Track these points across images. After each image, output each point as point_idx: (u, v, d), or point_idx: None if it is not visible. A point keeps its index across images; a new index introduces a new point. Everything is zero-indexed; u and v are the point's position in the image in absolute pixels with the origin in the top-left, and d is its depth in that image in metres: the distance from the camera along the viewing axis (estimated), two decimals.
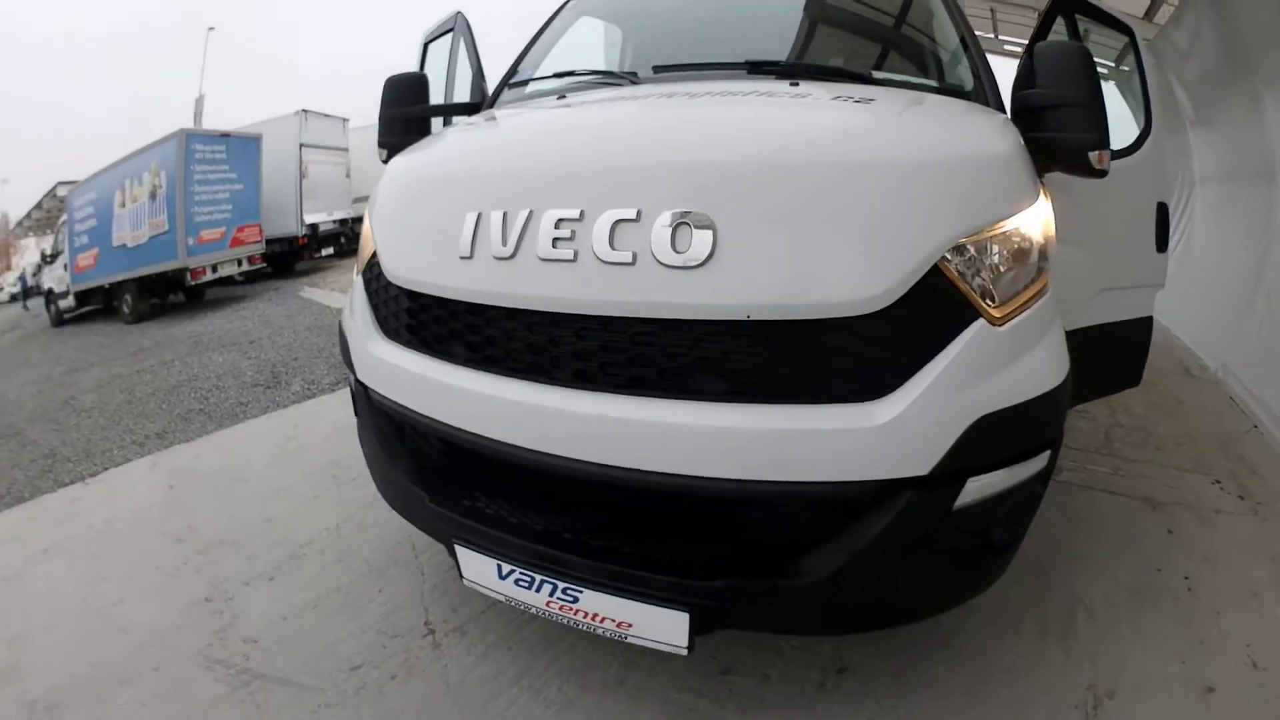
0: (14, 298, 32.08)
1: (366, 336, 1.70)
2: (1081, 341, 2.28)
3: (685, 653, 1.32)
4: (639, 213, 1.24)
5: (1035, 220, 1.41)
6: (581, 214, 1.28)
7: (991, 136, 1.54)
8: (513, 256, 1.34)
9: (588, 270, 1.26)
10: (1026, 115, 1.70)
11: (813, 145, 1.37)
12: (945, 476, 1.24)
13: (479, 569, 1.46)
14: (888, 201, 1.25)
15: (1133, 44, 2.62)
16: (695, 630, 1.29)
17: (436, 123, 2.44)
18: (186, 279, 10.54)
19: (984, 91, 1.92)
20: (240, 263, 11.41)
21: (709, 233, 1.21)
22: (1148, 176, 2.58)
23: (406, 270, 1.58)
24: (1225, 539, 2.47)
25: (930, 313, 1.24)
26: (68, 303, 12.81)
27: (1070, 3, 2.53)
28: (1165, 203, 2.58)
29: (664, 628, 1.30)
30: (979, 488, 1.29)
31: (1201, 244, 5.92)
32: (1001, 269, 1.32)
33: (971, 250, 1.27)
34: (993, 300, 1.29)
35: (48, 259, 14.04)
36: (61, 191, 19.74)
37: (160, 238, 10.39)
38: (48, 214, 23.44)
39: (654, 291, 1.22)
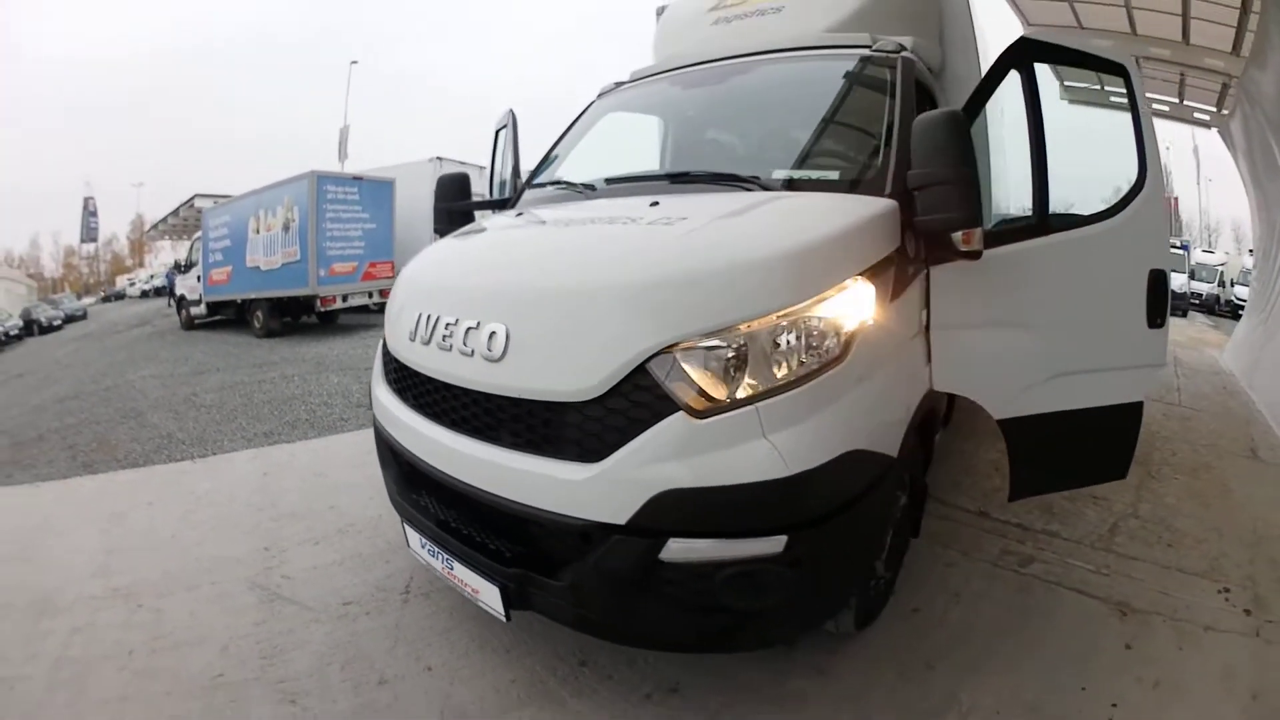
0: (145, 294, 37.07)
1: (376, 383, 2.54)
2: (1034, 429, 2.44)
3: (505, 619, 1.92)
4: (478, 322, 1.91)
5: (782, 323, 1.70)
6: (456, 320, 1.99)
7: (765, 244, 1.82)
8: (427, 343, 2.08)
9: (454, 357, 1.96)
10: (909, 198, 1.98)
11: (581, 271, 1.94)
12: (642, 530, 1.65)
13: (414, 540, 2.23)
14: (607, 317, 1.74)
15: (1127, 84, 2.50)
16: (506, 603, 1.88)
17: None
18: (317, 305, 12.27)
19: (884, 179, 2.21)
20: (372, 294, 12.94)
21: (504, 339, 1.83)
22: (1136, 241, 2.46)
23: (391, 341, 2.41)
24: (1200, 663, 2.24)
25: (635, 403, 1.67)
26: (199, 310, 15.13)
27: (1029, 51, 2.43)
28: (1162, 270, 2.44)
29: (491, 598, 1.91)
30: (684, 549, 1.65)
31: None
32: (715, 371, 1.66)
33: (676, 355, 1.65)
34: (707, 396, 1.64)
35: (181, 268, 16.58)
36: (199, 203, 22.81)
37: (292, 265, 12.24)
38: (184, 221, 26.38)
39: (478, 374, 1.89)
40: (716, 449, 1.61)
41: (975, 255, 2.07)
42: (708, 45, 3.40)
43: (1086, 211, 2.53)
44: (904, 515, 2.42)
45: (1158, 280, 2.47)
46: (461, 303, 2.05)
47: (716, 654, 2.08)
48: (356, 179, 13.10)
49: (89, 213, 54.68)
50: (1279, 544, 3.13)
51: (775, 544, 1.63)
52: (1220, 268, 23.93)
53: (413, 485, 2.31)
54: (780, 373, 1.68)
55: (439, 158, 14.89)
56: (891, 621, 2.42)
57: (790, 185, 2.35)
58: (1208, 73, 9.50)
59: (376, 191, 12.89)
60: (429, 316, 2.10)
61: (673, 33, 3.86)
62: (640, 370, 1.66)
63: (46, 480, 4.66)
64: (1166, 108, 12.25)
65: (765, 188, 2.31)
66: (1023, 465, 2.59)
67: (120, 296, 43.86)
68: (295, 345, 11.19)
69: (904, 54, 2.74)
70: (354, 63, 28.46)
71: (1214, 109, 11.05)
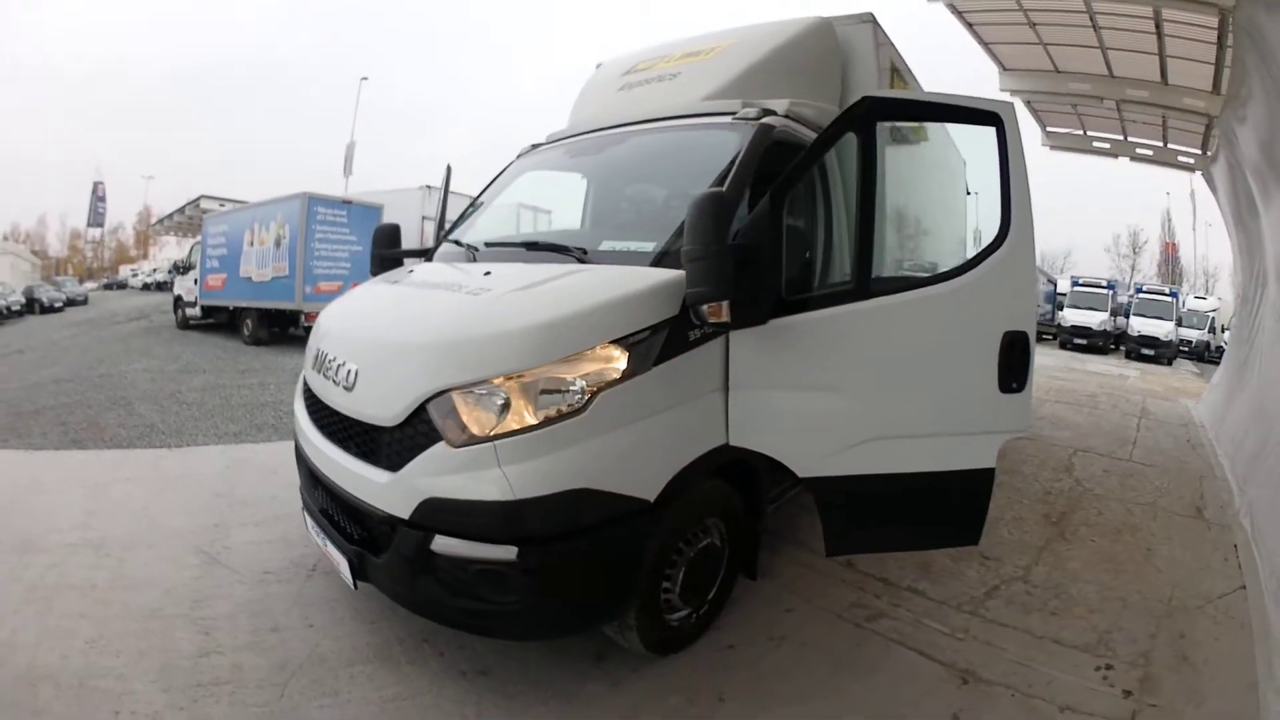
0: (146, 286, 38.20)
1: (295, 399, 3.18)
2: (851, 489, 2.62)
3: (354, 587, 2.52)
4: (344, 360, 2.57)
5: (535, 375, 2.18)
6: (333, 356, 2.65)
7: (527, 314, 2.31)
8: (319, 372, 2.75)
9: (330, 385, 2.62)
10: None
11: (403, 329, 2.61)
12: (418, 525, 2.21)
13: (309, 525, 2.85)
14: (407, 365, 2.37)
15: (999, 135, 2.56)
16: (353, 574, 2.46)
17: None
18: (301, 319, 13.05)
19: (666, 256, 2.58)
20: None
21: (355, 374, 2.48)
22: (985, 302, 2.55)
23: (305, 367, 3.07)
24: None
25: (418, 431, 2.25)
26: (194, 311, 16.09)
27: (874, 110, 2.55)
28: (1022, 332, 2.53)
29: (344, 570, 2.48)
30: (445, 544, 2.18)
31: (1271, 357, 5.71)
32: (471, 412, 2.18)
33: (450, 397, 2.22)
34: (463, 431, 2.17)
35: (180, 269, 17.56)
36: (205, 204, 23.69)
37: (281, 280, 13.10)
38: (189, 219, 27.30)
39: (341, 400, 2.54)
40: (463, 472, 2.16)
41: (723, 326, 2.38)
42: (610, 111, 3.74)
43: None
44: (728, 556, 2.80)
45: (1013, 343, 2.53)
46: (338, 343, 2.76)
47: (485, 637, 2.56)
48: (346, 202, 13.89)
49: (97, 197, 56.32)
50: (1193, 616, 3.04)
51: (509, 552, 2.13)
52: (1211, 314, 23.89)
53: (308, 482, 2.94)
54: (521, 419, 2.16)
55: (428, 186, 15.66)
56: (703, 653, 2.71)
57: (609, 256, 2.76)
58: (1189, 114, 9.78)
59: (365, 216, 13.51)
60: (321, 350, 2.83)
61: (587, 96, 4.26)
62: (423, 407, 2.25)
63: (39, 449, 5.54)
64: (1150, 152, 12.59)
65: (586, 259, 2.75)
66: (837, 523, 2.75)
67: (122, 285, 45.19)
68: (278, 355, 12.02)
69: (763, 120, 2.90)
70: (364, 79, 29.45)
71: (1198, 151, 11.16)
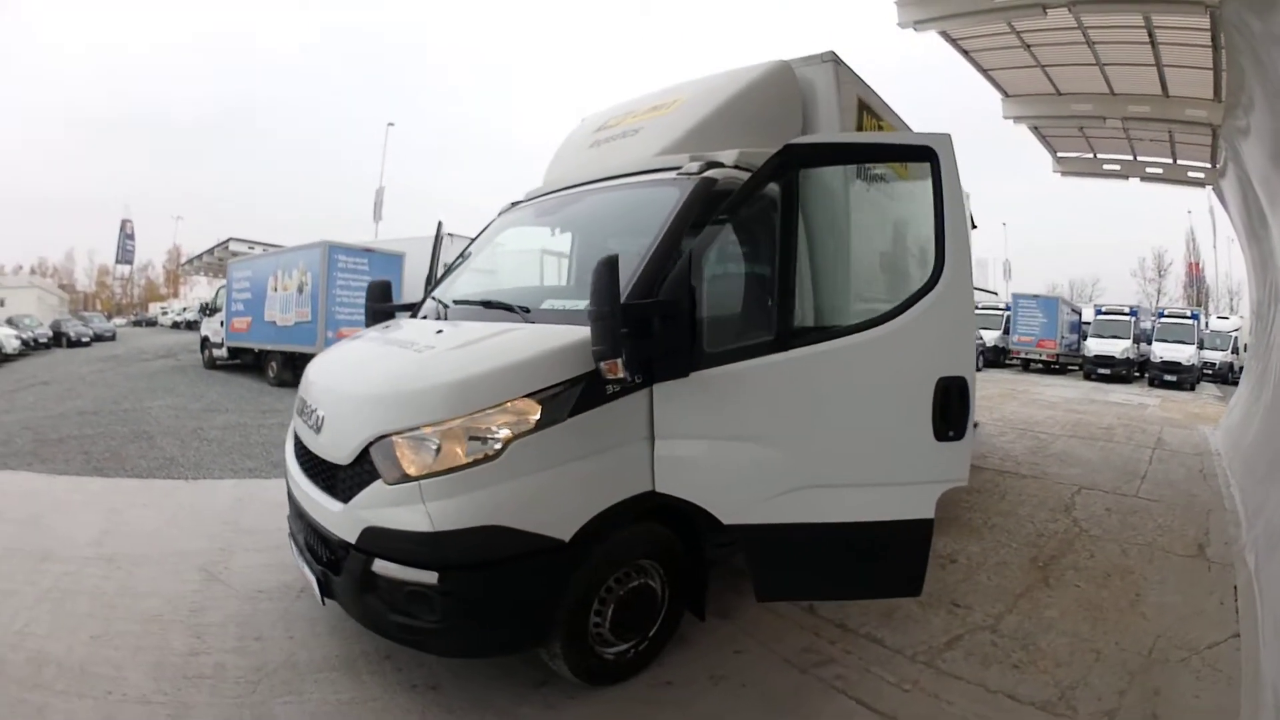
0: (176, 325, 39.72)
1: (288, 439, 3.51)
2: (779, 537, 2.74)
3: (322, 603, 2.82)
4: (316, 406, 2.99)
5: (454, 424, 2.48)
6: (308, 402, 3.10)
7: (453, 370, 2.64)
8: (300, 415, 3.17)
9: (305, 427, 3.03)
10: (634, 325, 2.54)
11: (359, 382, 2.98)
12: (361, 549, 2.56)
13: (293, 550, 3.18)
14: (357, 413, 2.74)
15: (934, 171, 2.61)
16: (321, 591, 2.77)
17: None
18: None
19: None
20: None
21: (322, 419, 2.88)
22: (917, 348, 2.61)
23: (294, 413, 3.45)
24: None
25: (363, 470, 2.59)
26: (220, 352, 16.93)
27: (794, 158, 2.70)
28: (959, 377, 2.57)
29: (315, 588, 2.81)
30: (383, 567, 2.51)
31: None
32: (404, 455, 2.51)
33: (390, 441, 2.53)
34: (396, 471, 2.51)
35: (207, 310, 18.51)
36: (234, 246, 24.75)
37: (304, 325, 13.81)
38: (218, 260, 28.36)
39: (312, 440, 2.94)
40: (396, 505, 2.50)
41: (619, 382, 2.59)
42: (578, 169, 3.96)
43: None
44: (668, 597, 2.97)
45: (949, 390, 2.57)
46: (315, 392, 3.19)
47: (419, 650, 2.76)
48: (367, 250, 14.64)
49: (126, 235, 59.00)
50: (1173, 670, 2.97)
51: (431, 576, 2.45)
52: (1234, 333, 23.33)
53: (294, 513, 3.25)
54: (444, 462, 2.47)
55: (450, 234, 16.56)
56: (640, 688, 2.86)
57: (549, 315, 3.01)
58: (1193, 125, 9.88)
59: (387, 263, 14.17)
60: (303, 398, 3.27)
61: (562, 153, 4.48)
62: (367, 449, 2.61)
63: (62, 474, 6.05)
64: (1160, 170, 12.59)
65: (529, 317, 3.00)
66: (767, 569, 2.87)
67: (152, 323, 47.15)
68: None
69: (704, 175, 3.05)
70: (390, 124, 30.69)
71: (1208, 165, 11.24)
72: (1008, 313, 25.31)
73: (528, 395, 2.53)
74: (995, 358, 24.01)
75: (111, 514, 4.88)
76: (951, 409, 2.59)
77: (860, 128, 4.09)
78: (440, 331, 3.13)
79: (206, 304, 19.22)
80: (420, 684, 2.86)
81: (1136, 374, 21.47)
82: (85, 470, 6.32)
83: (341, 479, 2.71)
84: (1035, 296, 25.32)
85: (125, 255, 60.38)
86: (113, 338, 29.87)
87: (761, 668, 3.04)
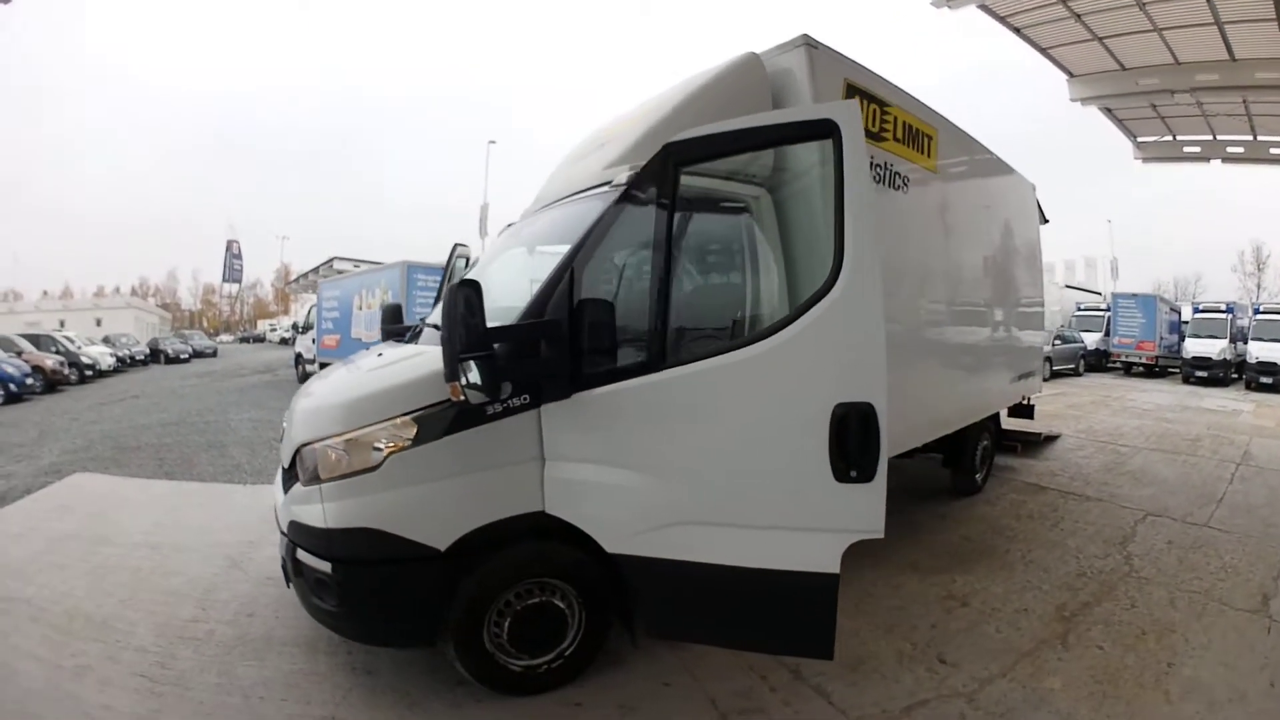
0: (284, 340, 44.14)
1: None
2: (659, 572, 2.87)
3: (287, 585, 3.38)
4: (285, 419, 3.73)
5: (347, 437, 2.95)
6: (285, 418, 3.77)
7: (353, 390, 3.26)
8: (282, 434, 3.80)
9: (285, 442, 3.57)
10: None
11: (306, 398, 3.61)
12: (289, 538, 3.15)
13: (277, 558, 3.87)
14: (296, 424, 3.32)
15: (836, 148, 2.53)
16: (285, 576, 3.36)
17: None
18: None
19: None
20: None
21: (284, 429, 3.64)
22: (806, 368, 2.56)
23: None
24: None
25: (294, 472, 3.19)
26: (313, 368, 19.07)
27: (669, 158, 2.83)
28: (865, 403, 2.47)
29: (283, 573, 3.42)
30: (303, 555, 3.05)
31: None
32: (316, 461, 3.01)
33: (313, 448, 3.05)
34: (309, 474, 3.05)
35: (300, 328, 20.91)
36: (338, 264, 27.43)
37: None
38: (322, 278, 31.20)
39: (281, 449, 3.66)
40: (305, 503, 3.07)
41: (463, 404, 2.78)
42: (552, 188, 4.30)
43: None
44: (583, 618, 3.17)
45: (849, 419, 2.45)
46: (292, 405, 3.79)
47: (331, 630, 3.28)
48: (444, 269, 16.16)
49: (233, 255, 66.60)
50: None
51: (327, 567, 2.97)
52: None
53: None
54: (337, 469, 2.98)
55: (539, 249, 17.87)
56: (548, 704, 3.12)
57: None
58: (1267, 91, 9.82)
59: None
60: (287, 412, 3.89)
61: (552, 171, 4.70)
62: (297, 454, 3.21)
63: (133, 477, 7.44)
64: (1241, 149, 12.61)
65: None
66: (653, 606, 3.04)
67: (260, 339, 52.88)
68: None
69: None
70: (492, 142, 32.71)
71: None
72: (1109, 314, 25.51)
73: (406, 414, 2.93)
74: (1097, 362, 24.27)
75: (168, 511, 6.07)
76: (852, 443, 2.47)
77: None
78: (381, 354, 3.74)
79: (299, 322, 21.57)
80: (359, 667, 3.45)
81: (1234, 375, 21.30)
82: (155, 474, 7.72)
83: (286, 479, 3.39)
84: (1134, 295, 25.45)
85: (233, 274, 68.11)
86: (214, 354, 33.60)
87: (680, 706, 3.14)
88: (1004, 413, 7.56)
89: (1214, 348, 20.94)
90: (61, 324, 37.75)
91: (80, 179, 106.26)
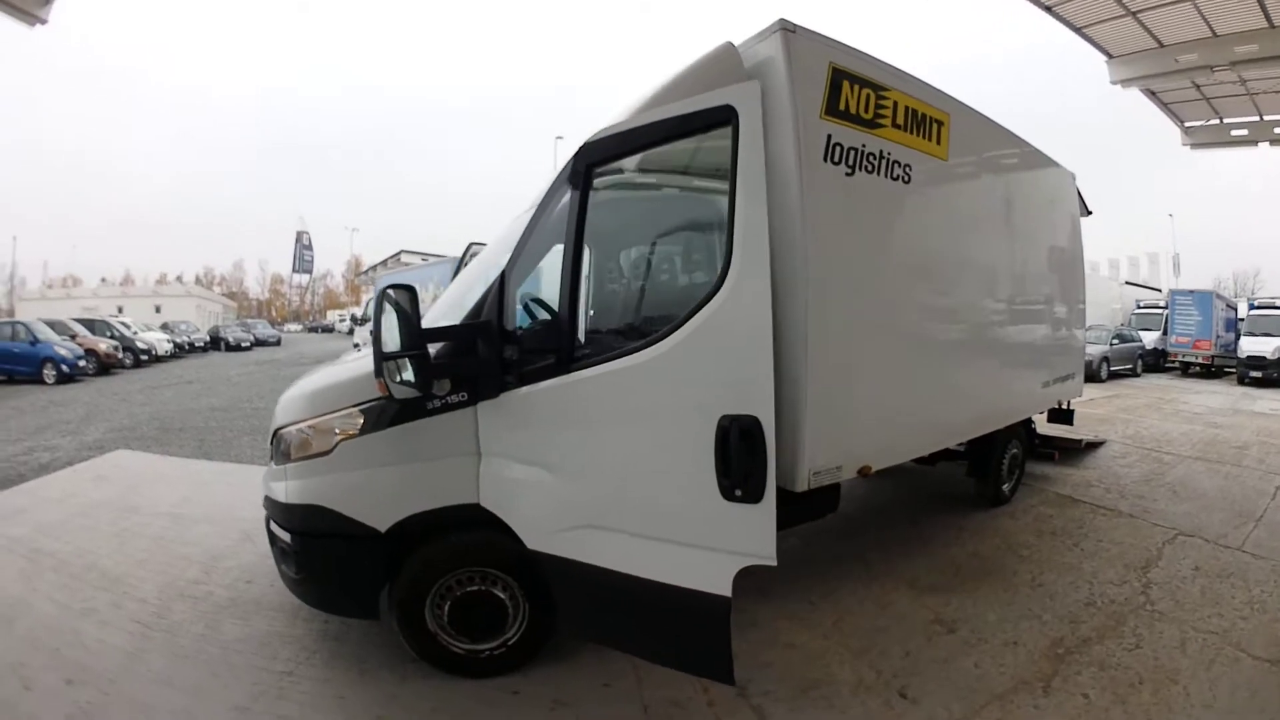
0: (350, 330, 46.47)
1: None
2: (574, 574, 3.08)
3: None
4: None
5: (309, 423, 3.46)
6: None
7: (317, 382, 3.79)
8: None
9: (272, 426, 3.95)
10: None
11: (294, 386, 4.06)
12: (265, 508, 3.74)
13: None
14: (284, 408, 3.74)
15: (733, 135, 2.63)
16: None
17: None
18: None
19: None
20: None
21: (275, 415, 3.89)
22: (692, 375, 2.67)
23: None
24: None
25: (270, 452, 3.83)
26: None
27: (583, 157, 3.06)
28: (750, 417, 2.49)
29: None
30: (273, 525, 3.61)
31: None
32: (287, 443, 3.52)
33: (277, 434, 3.64)
34: (282, 454, 3.55)
35: (358, 321, 22.12)
36: (405, 258, 28.85)
37: None
38: (390, 270, 32.96)
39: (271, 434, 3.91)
40: (275, 480, 3.59)
41: (390, 398, 3.18)
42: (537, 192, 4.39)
43: None
44: (526, 610, 3.44)
45: (733, 434, 2.48)
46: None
47: (296, 597, 3.74)
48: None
49: (303, 246, 70.49)
50: None
51: (287, 537, 3.48)
52: None
53: None
54: (299, 451, 3.49)
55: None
56: (488, 690, 3.40)
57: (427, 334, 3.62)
58: None
59: None
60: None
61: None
62: (275, 436, 3.71)
63: (173, 456, 8.36)
64: None
65: None
66: (567, 605, 3.30)
67: (329, 329, 55.94)
68: None
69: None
70: (559, 138, 33.41)
71: None
72: (1167, 312, 25.23)
73: (355, 405, 3.42)
74: (1155, 361, 24.08)
75: (198, 487, 6.88)
76: (738, 460, 2.51)
77: (840, 101, 3.86)
78: (359, 350, 4.34)
79: (356, 315, 22.84)
80: (330, 634, 3.91)
81: None
82: (195, 454, 8.66)
83: (270, 458, 3.92)
84: (1190, 292, 25.09)
85: (304, 265, 71.97)
86: (277, 343, 35.62)
87: (613, 707, 3.31)
88: (1043, 418, 7.52)
89: (1269, 346, 20.72)
90: (119, 310, 40.77)
91: (145, 175, 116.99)
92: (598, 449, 3.01)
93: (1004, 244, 5.85)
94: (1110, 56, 11.28)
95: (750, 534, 2.56)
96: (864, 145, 3.93)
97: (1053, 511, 6.49)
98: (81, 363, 19.13)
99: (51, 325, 20.40)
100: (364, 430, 3.37)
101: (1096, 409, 12.93)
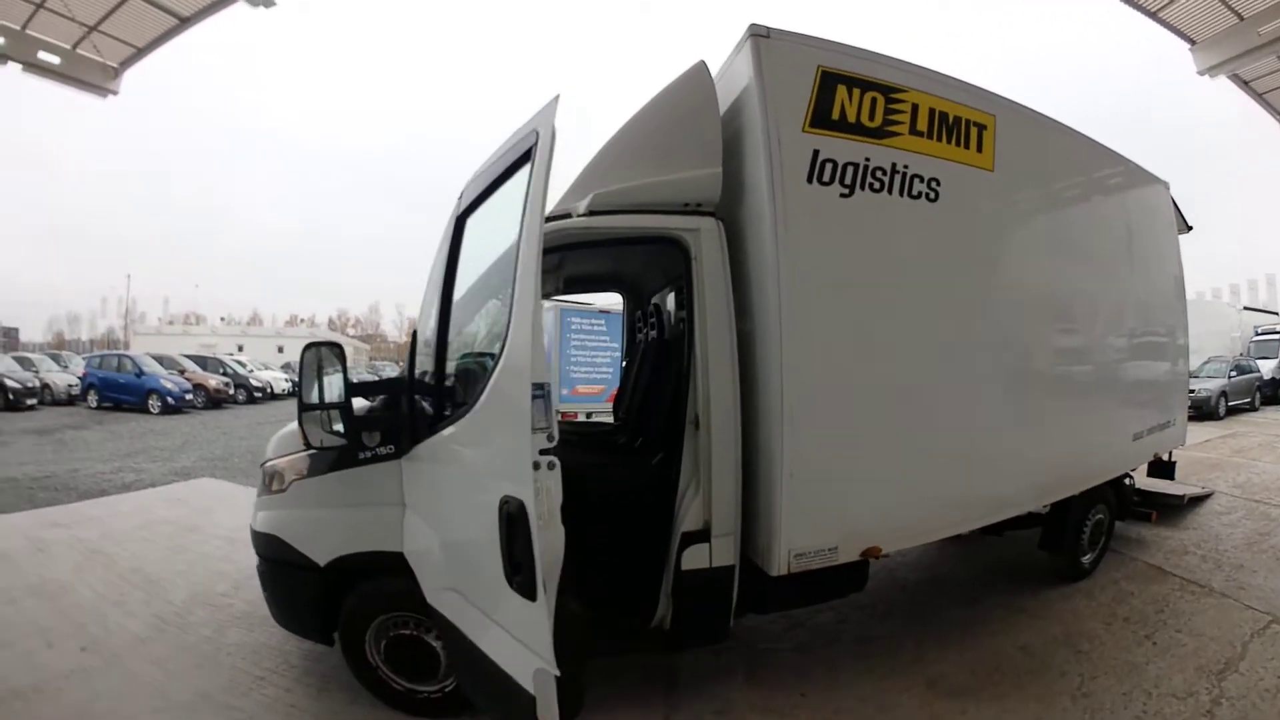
0: None
1: None
2: (453, 636, 3.36)
3: None
4: None
5: (274, 461, 4.15)
6: None
7: (291, 425, 4.08)
8: None
9: None
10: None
11: (279, 429, 4.54)
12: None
13: None
14: (268, 447, 4.35)
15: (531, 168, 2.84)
16: None
17: None
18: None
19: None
20: None
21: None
22: (480, 449, 3.03)
23: None
24: None
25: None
26: None
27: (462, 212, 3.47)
28: (514, 499, 2.59)
29: None
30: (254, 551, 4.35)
31: None
32: (265, 474, 4.23)
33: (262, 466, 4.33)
34: (260, 486, 4.29)
35: None
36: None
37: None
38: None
39: None
40: (255, 510, 4.28)
41: (309, 446, 3.83)
42: None
43: None
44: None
45: (503, 514, 2.62)
46: None
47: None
48: (604, 313, 17.97)
49: None
50: None
51: (257, 560, 4.23)
52: None
53: None
54: (268, 485, 4.17)
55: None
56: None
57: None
58: None
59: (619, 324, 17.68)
60: None
61: None
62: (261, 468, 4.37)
63: (253, 487, 9.55)
64: None
65: None
66: (448, 663, 3.75)
67: None
68: None
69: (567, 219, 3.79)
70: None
71: None
72: None
73: (304, 450, 3.98)
74: (1274, 393, 22.95)
75: (238, 511, 7.98)
76: (509, 546, 2.61)
77: (833, 109, 3.75)
78: None
79: None
80: (311, 653, 4.51)
81: None
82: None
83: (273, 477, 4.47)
84: None
85: None
86: None
87: None
88: (1142, 470, 7.04)
89: None
90: (239, 348, 45.92)
91: (276, 220, 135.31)
92: (447, 514, 3.46)
93: (1076, 269, 5.33)
94: (1193, 43, 11.40)
95: (533, 631, 2.62)
96: (867, 159, 3.79)
97: (1134, 589, 5.90)
98: (188, 396, 22.52)
99: (159, 360, 24.16)
100: (310, 473, 4.00)
101: (1210, 452, 12.16)
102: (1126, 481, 6.60)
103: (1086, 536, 5.91)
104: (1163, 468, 7.22)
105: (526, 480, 2.55)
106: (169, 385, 22.14)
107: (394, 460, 3.81)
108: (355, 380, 3.97)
